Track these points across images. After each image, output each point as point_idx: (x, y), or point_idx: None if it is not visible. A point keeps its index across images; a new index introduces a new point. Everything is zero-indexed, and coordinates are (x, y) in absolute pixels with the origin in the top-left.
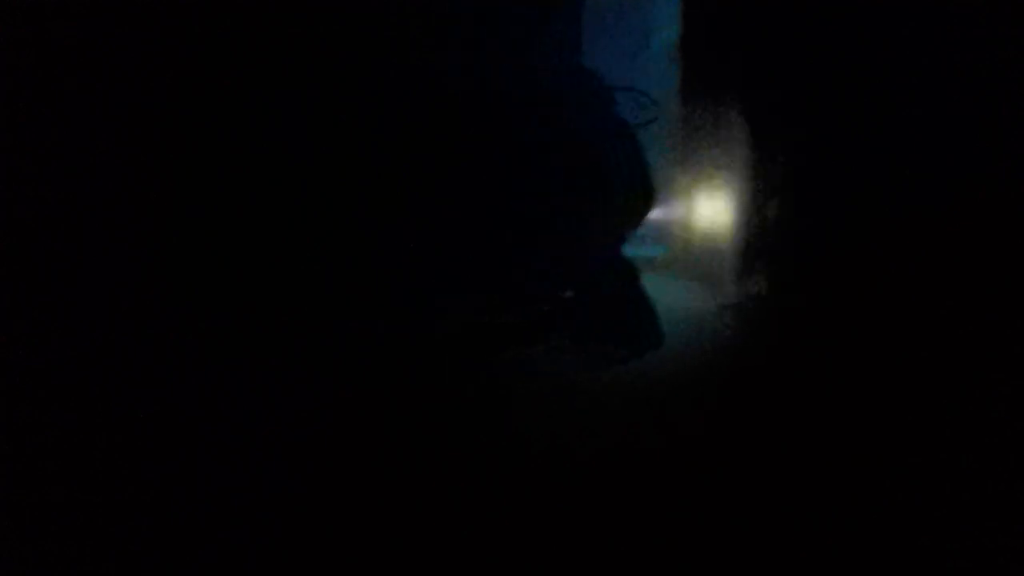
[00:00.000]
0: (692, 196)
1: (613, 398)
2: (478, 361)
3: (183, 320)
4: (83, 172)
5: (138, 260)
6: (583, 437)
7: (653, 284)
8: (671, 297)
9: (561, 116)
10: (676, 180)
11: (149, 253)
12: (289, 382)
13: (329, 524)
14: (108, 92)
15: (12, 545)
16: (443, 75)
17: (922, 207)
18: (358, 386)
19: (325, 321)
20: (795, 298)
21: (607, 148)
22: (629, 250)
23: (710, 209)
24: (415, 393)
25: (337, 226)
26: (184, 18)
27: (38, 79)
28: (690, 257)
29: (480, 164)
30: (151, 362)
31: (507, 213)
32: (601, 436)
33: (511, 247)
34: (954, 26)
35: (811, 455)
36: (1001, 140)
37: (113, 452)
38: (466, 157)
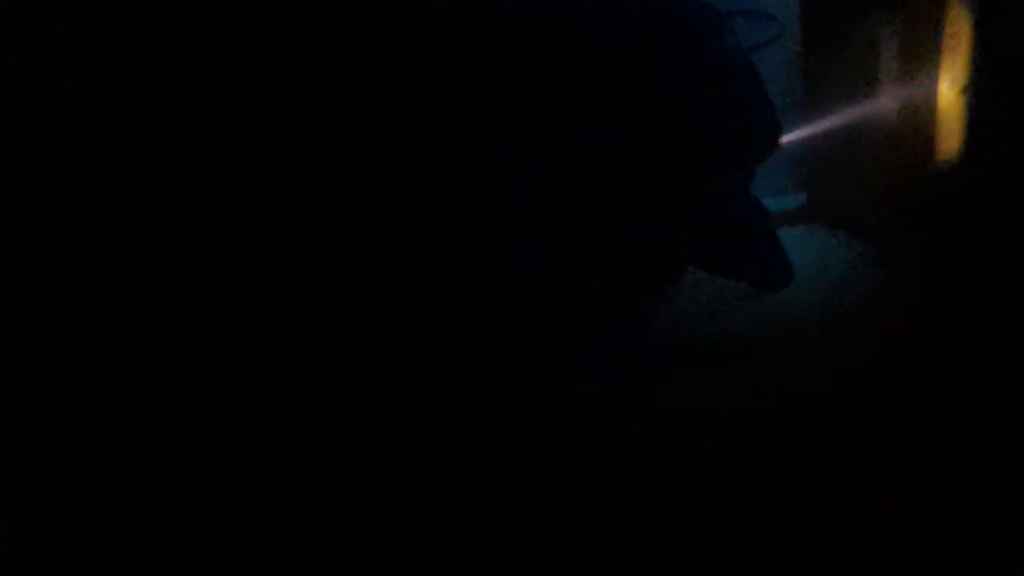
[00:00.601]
0: (828, 134)
1: (733, 351)
2: (479, 361)
3: (183, 320)
4: (83, 172)
5: (138, 260)
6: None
7: (789, 235)
8: (808, 248)
9: (676, 42)
10: (807, 114)
11: (149, 253)
12: (289, 382)
13: (329, 524)
14: (108, 92)
15: (12, 545)
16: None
17: None
18: (358, 386)
19: (325, 321)
20: (951, 255)
21: (724, 74)
22: (765, 201)
23: (850, 150)
24: (415, 393)
25: (337, 226)
26: (184, 18)
27: (38, 79)
28: (830, 205)
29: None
30: (151, 362)
31: (626, 153)
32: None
33: (634, 186)
34: None
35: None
36: None
37: (113, 452)
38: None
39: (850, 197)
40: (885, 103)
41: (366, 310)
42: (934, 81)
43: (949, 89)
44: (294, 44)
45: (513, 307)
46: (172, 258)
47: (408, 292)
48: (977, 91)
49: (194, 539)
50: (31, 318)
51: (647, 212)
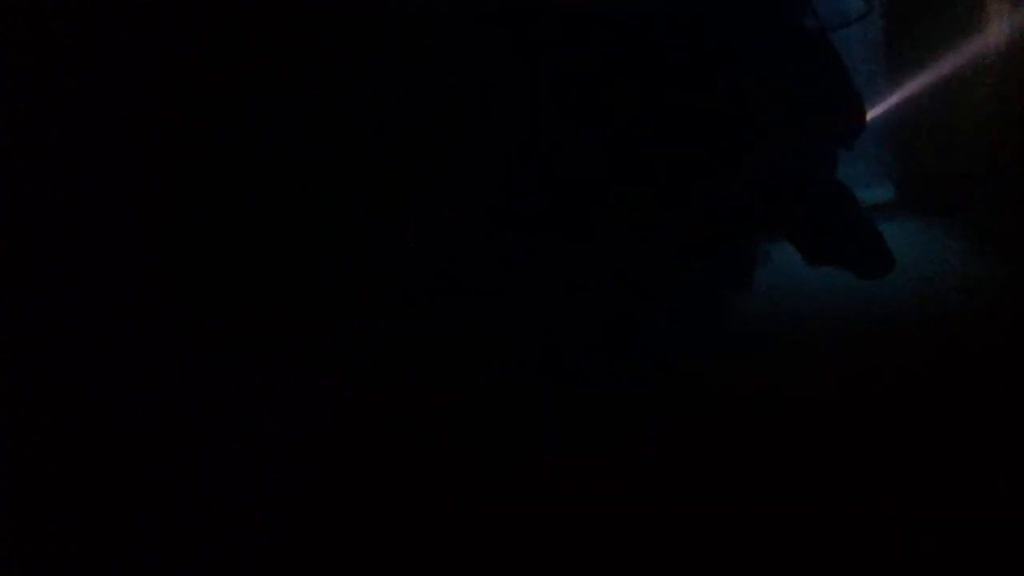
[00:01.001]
0: (920, 115)
1: (733, 351)
2: (479, 361)
3: (183, 320)
4: (83, 172)
5: (138, 260)
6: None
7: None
8: (899, 246)
9: (752, 16)
10: (896, 93)
11: (149, 253)
12: (289, 382)
13: (329, 524)
14: (108, 92)
15: (12, 545)
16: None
17: None
18: (358, 386)
19: (325, 321)
20: None
21: (806, 53)
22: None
23: (946, 132)
24: (415, 393)
25: (337, 226)
26: (184, 18)
27: (38, 79)
28: (925, 197)
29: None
30: (151, 362)
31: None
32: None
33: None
34: None
35: None
36: None
37: (113, 452)
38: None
39: (950, 185)
40: (992, 67)
41: (366, 310)
42: None
43: None
44: (294, 44)
45: (513, 307)
46: (172, 258)
47: (408, 292)
48: None
49: (194, 539)
50: (31, 318)
51: (648, 211)
